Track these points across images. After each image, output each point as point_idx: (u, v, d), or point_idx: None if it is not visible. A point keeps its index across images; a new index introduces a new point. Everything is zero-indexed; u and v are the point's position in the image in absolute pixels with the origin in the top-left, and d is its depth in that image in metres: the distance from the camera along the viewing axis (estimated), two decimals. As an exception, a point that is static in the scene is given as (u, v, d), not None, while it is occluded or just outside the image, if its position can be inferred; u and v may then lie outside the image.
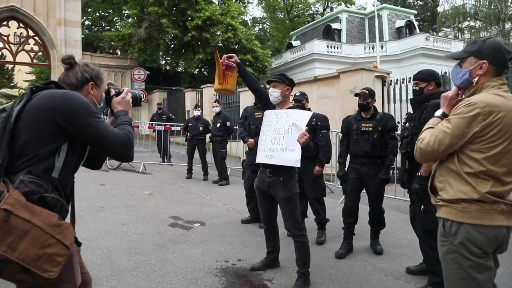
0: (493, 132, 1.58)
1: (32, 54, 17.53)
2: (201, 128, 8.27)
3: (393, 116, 4.05)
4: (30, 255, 1.29)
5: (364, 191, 3.87)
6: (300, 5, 32.75)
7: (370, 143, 3.61)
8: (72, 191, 1.62)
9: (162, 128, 9.84)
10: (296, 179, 3.12)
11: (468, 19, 37.40)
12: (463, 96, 1.76)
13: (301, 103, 4.25)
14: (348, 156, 3.92)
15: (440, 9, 38.35)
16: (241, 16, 19.58)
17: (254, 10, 62.85)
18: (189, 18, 16.99)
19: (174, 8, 17.61)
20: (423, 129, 1.79)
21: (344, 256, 3.72)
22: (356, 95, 3.77)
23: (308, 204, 4.39)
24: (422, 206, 2.92)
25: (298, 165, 2.83)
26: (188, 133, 8.44)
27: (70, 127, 1.45)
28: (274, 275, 3.30)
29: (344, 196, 3.91)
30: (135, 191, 6.71)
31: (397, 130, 3.77)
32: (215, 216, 5.24)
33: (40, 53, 18.35)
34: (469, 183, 1.61)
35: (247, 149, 5.13)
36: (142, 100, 10.72)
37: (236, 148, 10.26)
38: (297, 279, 3.04)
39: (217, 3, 18.72)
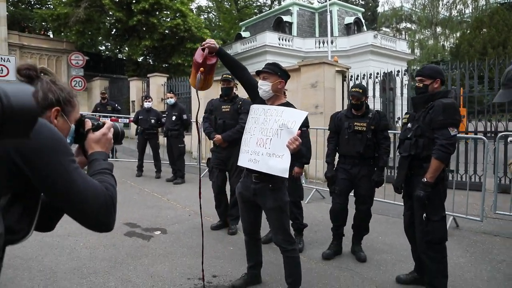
0: None
1: None
2: (153, 121, 7.53)
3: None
4: None
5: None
6: (248, -4, 32.28)
7: (364, 143, 3.33)
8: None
9: (107, 120, 8.89)
10: (286, 186, 2.72)
11: (404, 21, 39.84)
12: None
13: None
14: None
15: (380, 9, 40.32)
16: (191, 2, 18.59)
17: (200, -1, 60.81)
18: (134, 1, 15.75)
19: (118, -11, 16.20)
20: None
21: (331, 257, 3.54)
22: (349, 95, 3.48)
23: None
24: (424, 215, 2.69)
25: (286, 175, 2.40)
26: (139, 127, 7.68)
27: (28, 167, 0.92)
28: (258, 294, 2.89)
29: (331, 197, 3.62)
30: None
31: (389, 129, 3.52)
32: (176, 222, 4.69)
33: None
34: None
35: (213, 146, 4.61)
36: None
37: (190, 143, 9.62)
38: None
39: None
